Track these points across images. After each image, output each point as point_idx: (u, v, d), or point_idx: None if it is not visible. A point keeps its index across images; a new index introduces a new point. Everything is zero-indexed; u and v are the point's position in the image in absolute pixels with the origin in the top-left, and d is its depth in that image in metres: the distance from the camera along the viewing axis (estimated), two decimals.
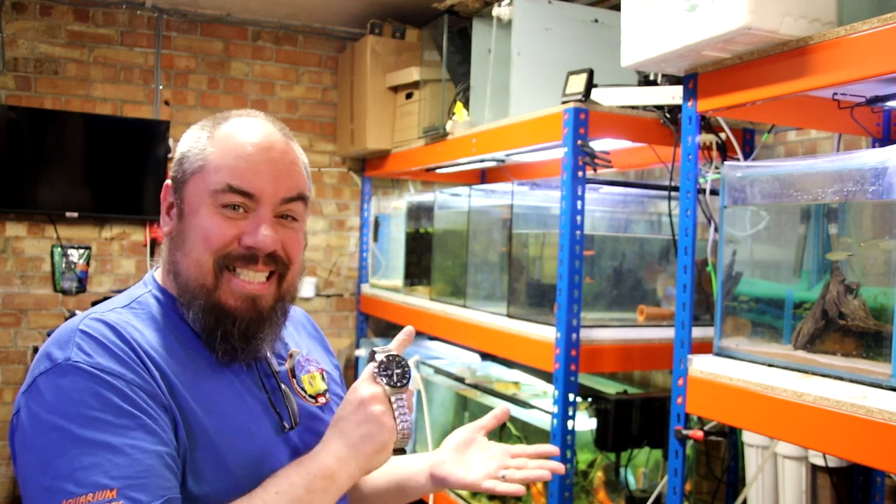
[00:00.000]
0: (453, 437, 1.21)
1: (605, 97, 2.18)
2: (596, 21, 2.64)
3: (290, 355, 1.11)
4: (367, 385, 0.98)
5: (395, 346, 1.03)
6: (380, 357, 1.00)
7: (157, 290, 1.02)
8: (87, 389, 0.85)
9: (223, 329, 0.97)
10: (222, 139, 1.00)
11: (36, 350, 3.31)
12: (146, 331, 0.95)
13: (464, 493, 2.76)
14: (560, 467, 1.16)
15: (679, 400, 1.77)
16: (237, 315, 0.98)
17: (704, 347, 1.80)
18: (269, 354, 1.06)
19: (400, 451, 1.00)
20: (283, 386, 1.05)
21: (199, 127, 1.04)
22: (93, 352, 0.88)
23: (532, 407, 2.41)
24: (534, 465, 1.16)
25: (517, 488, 1.12)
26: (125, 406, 0.85)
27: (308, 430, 1.04)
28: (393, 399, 0.98)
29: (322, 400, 1.10)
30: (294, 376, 1.09)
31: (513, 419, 2.60)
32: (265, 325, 1.01)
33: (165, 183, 1.03)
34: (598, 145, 2.16)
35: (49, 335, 0.97)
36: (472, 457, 1.17)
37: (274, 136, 1.02)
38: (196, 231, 0.97)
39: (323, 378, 1.13)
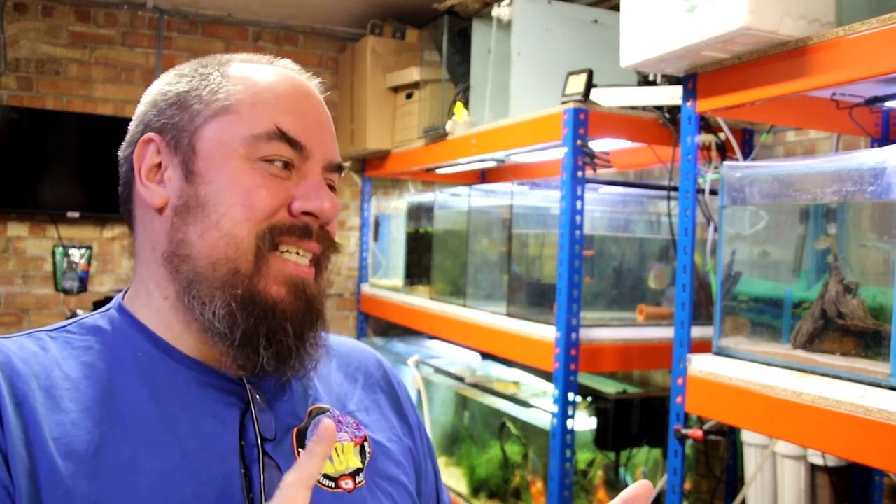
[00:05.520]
0: None
1: (604, 97, 2.18)
2: (596, 21, 2.64)
3: (309, 413, 0.78)
4: None
5: None
6: None
7: (116, 310, 0.77)
8: None
9: (269, 327, 0.70)
10: (245, 77, 0.75)
11: None
12: (64, 366, 0.70)
13: (464, 492, 2.77)
14: None
15: (678, 399, 1.77)
16: (287, 308, 0.71)
17: (704, 347, 1.81)
18: (259, 409, 0.74)
19: None
20: (269, 459, 0.72)
21: (190, 69, 0.77)
22: None
23: (532, 406, 2.42)
24: None
25: None
26: None
27: None
28: None
29: (348, 484, 0.76)
30: (301, 445, 0.75)
31: (513, 419, 2.60)
32: (318, 324, 0.75)
33: (147, 136, 0.76)
34: (597, 145, 2.16)
35: None
36: None
37: (310, 84, 0.79)
38: (228, 193, 0.70)
39: (363, 451, 0.79)
